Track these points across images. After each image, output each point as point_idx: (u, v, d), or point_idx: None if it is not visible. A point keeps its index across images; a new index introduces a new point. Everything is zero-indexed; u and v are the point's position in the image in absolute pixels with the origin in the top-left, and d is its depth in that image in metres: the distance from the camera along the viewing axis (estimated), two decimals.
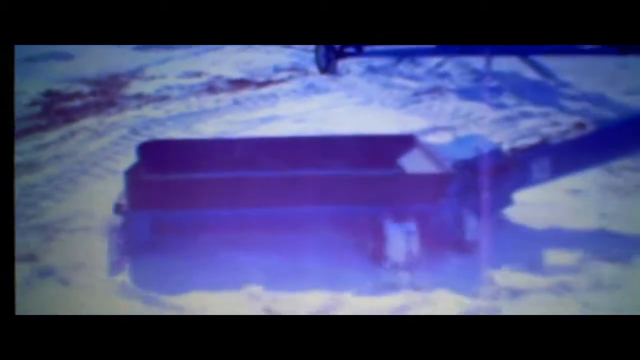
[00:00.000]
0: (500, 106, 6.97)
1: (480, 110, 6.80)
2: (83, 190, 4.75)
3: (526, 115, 6.70)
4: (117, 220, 3.80)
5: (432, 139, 5.87)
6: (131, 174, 3.78)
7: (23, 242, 3.87)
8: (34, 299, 3.34)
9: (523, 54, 7.82)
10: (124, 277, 3.53)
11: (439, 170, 3.89)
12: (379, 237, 3.64)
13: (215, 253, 3.69)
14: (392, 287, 3.46)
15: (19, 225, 4.08)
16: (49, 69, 8.54)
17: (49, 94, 7.49)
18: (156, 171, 4.00)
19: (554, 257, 3.74)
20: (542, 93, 7.47)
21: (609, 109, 6.88)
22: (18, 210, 4.27)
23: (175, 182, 3.80)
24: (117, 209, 3.76)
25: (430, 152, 4.18)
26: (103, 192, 4.60)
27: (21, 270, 3.56)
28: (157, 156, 4.12)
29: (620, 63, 8.08)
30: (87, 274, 3.55)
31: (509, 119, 6.58)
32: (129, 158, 5.26)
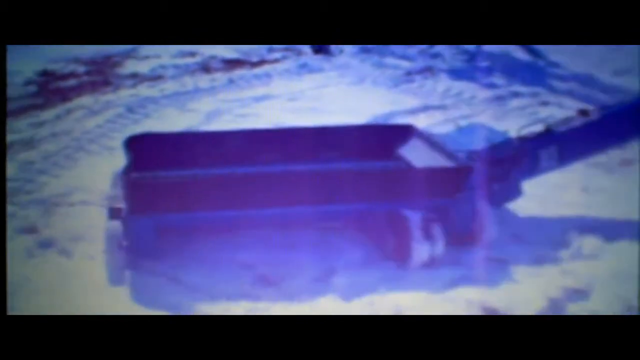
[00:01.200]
0: (491, 86, 7.06)
1: (471, 89, 6.89)
2: (80, 166, 4.84)
3: (516, 94, 6.80)
4: (115, 225, 3.44)
5: (423, 118, 5.99)
6: (130, 175, 3.54)
7: (23, 214, 3.99)
8: (37, 270, 3.44)
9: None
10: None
11: (459, 163, 3.75)
12: (401, 234, 3.52)
13: (223, 258, 3.53)
14: (416, 284, 3.36)
15: (19, 199, 4.20)
16: (43, 50, 8.57)
17: (44, 73, 7.53)
18: (148, 169, 3.75)
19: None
20: (532, 73, 7.56)
21: (597, 90, 6.98)
22: (17, 185, 4.40)
23: (180, 183, 3.57)
24: (114, 213, 3.48)
25: (434, 142, 4.06)
26: (100, 168, 4.71)
27: (23, 242, 3.67)
28: (147, 151, 3.84)
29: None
30: (87, 246, 3.64)
31: (499, 99, 6.68)
32: (124, 135, 5.38)
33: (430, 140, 4.10)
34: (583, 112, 4.03)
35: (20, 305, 3.13)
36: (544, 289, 3.31)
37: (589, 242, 3.74)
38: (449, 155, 3.84)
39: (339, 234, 3.72)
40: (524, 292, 3.29)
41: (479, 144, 3.93)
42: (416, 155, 4.09)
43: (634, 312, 3.17)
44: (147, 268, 3.41)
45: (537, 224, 3.93)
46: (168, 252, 3.50)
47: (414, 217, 3.49)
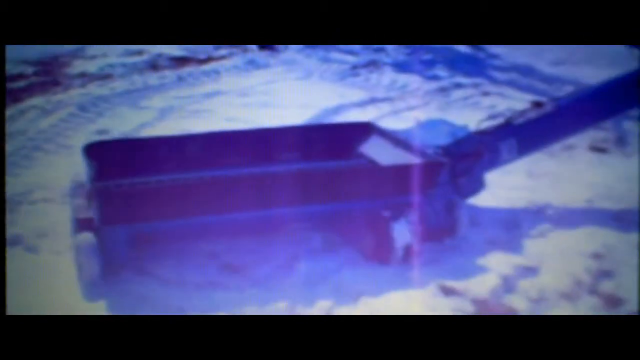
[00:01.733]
0: (434, 78, 7.28)
1: (415, 82, 7.11)
2: (38, 164, 4.88)
3: (458, 85, 7.03)
4: (84, 237, 3.30)
5: (371, 110, 6.17)
6: (103, 185, 3.40)
7: None
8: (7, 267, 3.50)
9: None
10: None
11: (432, 159, 3.76)
12: (379, 232, 3.53)
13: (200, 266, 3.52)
14: (397, 283, 3.37)
15: None
16: None
17: None
18: (112, 177, 3.58)
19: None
20: (473, 65, 7.81)
21: (537, 79, 7.25)
22: None
23: (156, 189, 3.43)
24: (84, 225, 3.35)
25: (396, 139, 4.07)
26: (58, 166, 4.80)
27: None
28: (107, 159, 3.70)
29: None
30: (52, 242, 3.70)
31: (443, 90, 6.89)
32: (80, 134, 5.49)
33: (392, 137, 4.13)
34: (537, 104, 4.11)
35: None
36: (496, 268, 3.49)
37: (536, 223, 3.95)
38: (416, 151, 3.86)
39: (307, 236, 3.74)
40: (478, 271, 3.46)
41: (440, 139, 4.00)
42: (379, 152, 4.10)
43: (584, 289, 3.38)
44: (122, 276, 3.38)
45: (488, 207, 4.10)
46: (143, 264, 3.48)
47: (393, 216, 3.50)
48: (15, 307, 3.07)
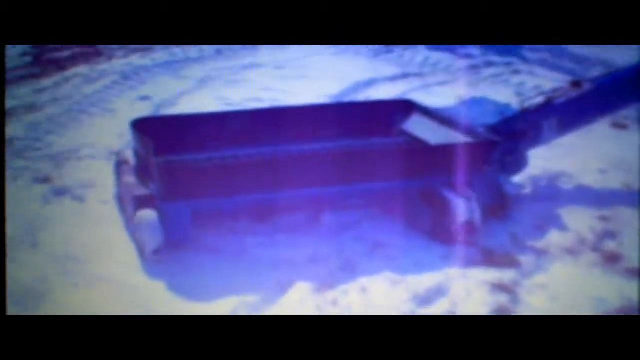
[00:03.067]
0: (467, 56, 7.46)
1: (448, 59, 7.28)
2: (84, 126, 5.20)
3: (490, 64, 7.21)
4: (145, 214, 3.35)
5: (402, 84, 6.40)
6: (166, 161, 3.45)
7: (36, 168, 4.34)
8: (55, 213, 3.82)
9: None
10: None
11: (486, 137, 3.81)
12: (439, 209, 3.59)
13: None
14: (456, 260, 3.47)
15: (29, 155, 4.56)
16: None
17: (36, 45, 7.81)
18: (166, 152, 3.61)
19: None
20: (507, 45, 7.96)
21: (566, 59, 7.41)
22: (25, 143, 4.76)
23: (217, 166, 3.53)
24: (143, 202, 3.38)
25: (441, 117, 4.10)
26: (103, 128, 5.13)
27: (38, 190, 4.04)
28: (157, 135, 3.61)
29: None
30: (98, 192, 4.02)
31: (474, 67, 7.08)
32: (123, 100, 5.79)
33: (436, 115, 4.15)
34: (576, 84, 4.20)
35: (43, 242, 3.50)
36: (506, 227, 3.78)
37: (549, 188, 4.23)
38: (465, 129, 3.91)
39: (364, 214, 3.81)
40: (487, 229, 3.69)
41: (485, 117, 4.10)
42: (424, 130, 4.11)
43: (588, 246, 3.61)
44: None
45: None
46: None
47: (455, 196, 3.55)
48: (64, 251, 3.40)
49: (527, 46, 7.97)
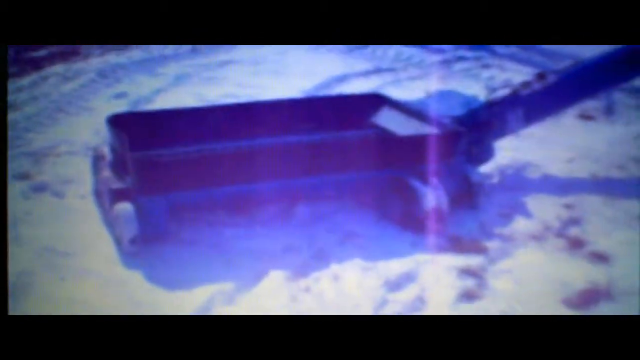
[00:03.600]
0: (439, 51, 7.58)
1: (420, 54, 7.41)
2: (62, 123, 5.28)
3: (461, 58, 7.34)
4: (121, 207, 3.42)
5: (375, 78, 6.52)
6: (141, 154, 3.47)
7: (16, 165, 4.41)
8: (35, 208, 3.90)
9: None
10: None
11: (451, 128, 3.91)
12: (407, 198, 3.69)
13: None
14: (425, 247, 3.58)
15: (10, 152, 4.62)
16: None
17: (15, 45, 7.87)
18: (142, 147, 3.58)
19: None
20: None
21: (535, 52, 7.54)
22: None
23: (194, 159, 3.55)
24: (120, 195, 3.46)
25: (409, 109, 4.22)
26: (80, 125, 5.20)
27: (17, 186, 4.11)
28: (133, 130, 3.69)
29: None
30: (77, 187, 4.10)
31: (446, 62, 7.21)
32: (99, 97, 5.87)
33: (405, 108, 4.27)
34: (541, 76, 4.32)
35: (25, 236, 3.58)
36: (473, 214, 3.90)
37: (517, 177, 4.36)
38: (432, 121, 4.01)
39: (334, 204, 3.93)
40: (459, 215, 3.83)
41: (453, 110, 4.19)
42: (393, 122, 4.22)
43: (552, 232, 3.73)
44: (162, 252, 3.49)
45: None
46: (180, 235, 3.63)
47: (422, 185, 3.66)
48: (45, 244, 3.50)
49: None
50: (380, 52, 7.56)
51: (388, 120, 4.28)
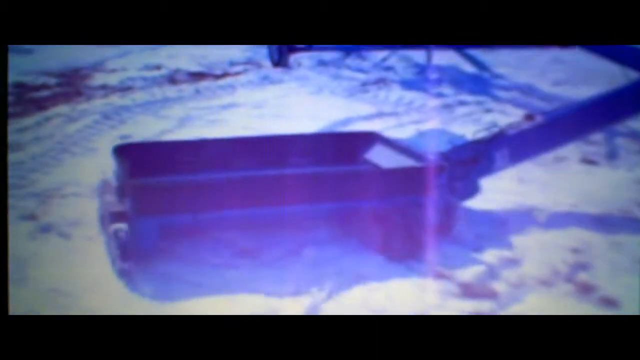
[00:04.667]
0: (440, 95, 7.65)
1: (422, 98, 7.47)
2: (66, 165, 5.30)
3: (462, 103, 7.40)
4: (116, 228, 3.67)
5: (378, 122, 6.54)
6: (136, 181, 3.80)
7: (22, 205, 4.42)
8: (41, 249, 3.90)
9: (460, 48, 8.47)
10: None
11: (433, 162, 4.09)
12: (387, 228, 3.88)
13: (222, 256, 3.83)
14: (403, 274, 3.70)
15: (15, 193, 4.63)
16: (13, 63, 8.91)
17: (17, 85, 7.90)
18: (142, 174, 3.93)
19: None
20: (478, 84, 8.18)
21: (536, 98, 7.62)
22: (10, 182, 4.81)
23: (183, 187, 3.82)
24: (117, 217, 3.72)
25: (399, 146, 4.43)
26: (85, 166, 5.20)
27: (24, 227, 4.11)
28: (136, 159, 4.03)
29: (552, 57, 8.85)
30: (83, 229, 4.10)
31: (447, 106, 7.26)
32: (104, 138, 5.88)
33: (395, 145, 4.49)
34: (529, 117, 4.43)
35: (31, 277, 3.58)
36: (482, 258, 3.88)
37: (522, 222, 4.33)
38: (417, 156, 4.22)
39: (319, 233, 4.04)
40: (466, 260, 3.84)
41: (440, 147, 4.33)
42: (383, 158, 4.44)
43: (561, 277, 3.74)
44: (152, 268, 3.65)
45: (480, 208, 4.44)
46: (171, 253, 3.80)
47: (402, 215, 3.87)
48: (52, 284, 3.49)
49: (497, 85, 8.19)
50: (382, 96, 7.62)
51: (378, 155, 4.48)
